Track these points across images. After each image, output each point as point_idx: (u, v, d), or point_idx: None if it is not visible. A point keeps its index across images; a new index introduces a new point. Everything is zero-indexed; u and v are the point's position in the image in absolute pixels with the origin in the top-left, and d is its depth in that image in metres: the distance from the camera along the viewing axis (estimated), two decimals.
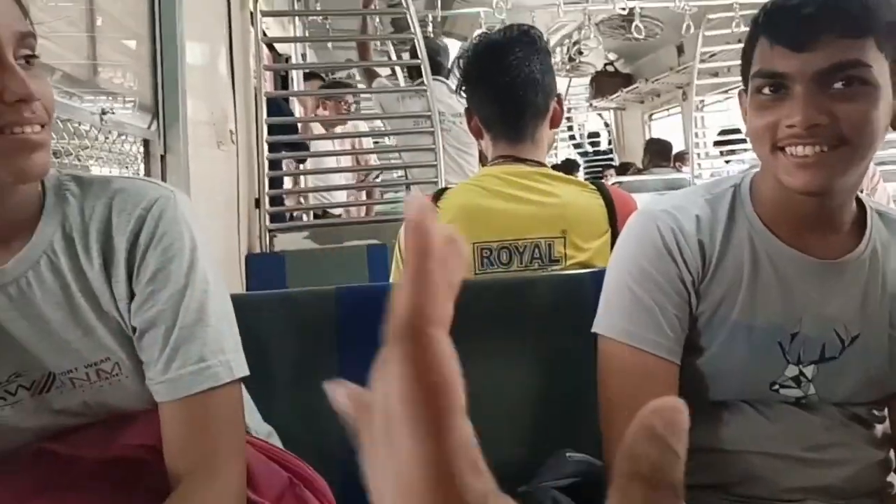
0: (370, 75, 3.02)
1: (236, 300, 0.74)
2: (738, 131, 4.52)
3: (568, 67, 5.79)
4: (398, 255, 1.27)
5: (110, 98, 1.60)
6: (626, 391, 0.79)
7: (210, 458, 0.66)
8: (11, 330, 0.68)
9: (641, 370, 0.79)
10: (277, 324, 1.02)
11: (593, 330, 0.84)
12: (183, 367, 0.67)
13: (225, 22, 2.35)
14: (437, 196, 1.23)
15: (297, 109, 3.56)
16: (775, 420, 0.84)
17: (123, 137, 1.68)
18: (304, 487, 0.78)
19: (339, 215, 3.23)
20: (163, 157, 1.82)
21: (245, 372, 0.71)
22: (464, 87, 1.27)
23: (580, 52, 5.34)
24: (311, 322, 1.01)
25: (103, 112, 1.51)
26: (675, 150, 5.47)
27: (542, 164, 1.26)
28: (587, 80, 6.84)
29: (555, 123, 1.28)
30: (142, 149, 1.82)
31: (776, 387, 0.83)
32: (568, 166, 6.36)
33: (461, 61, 1.27)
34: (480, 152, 1.37)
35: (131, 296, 0.69)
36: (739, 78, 0.84)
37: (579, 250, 1.16)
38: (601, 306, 0.85)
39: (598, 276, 0.91)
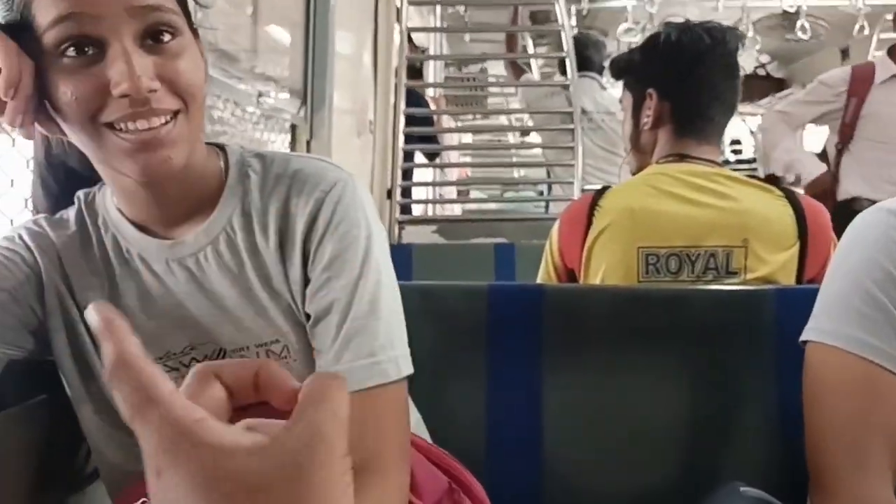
0: (517, 70, 2.97)
1: None
2: None
3: None
4: (549, 254, 1.21)
5: (268, 81, 1.65)
6: (848, 413, 0.67)
7: (375, 458, 0.64)
8: (188, 304, 0.68)
9: (870, 388, 0.66)
10: (419, 317, 0.99)
11: (805, 338, 0.71)
12: (353, 360, 0.64)
13: (371, 12, 2.39)
14: (598, 195, 1.15)
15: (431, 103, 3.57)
16: None
17: (273, 120, 1.73)
18: (463, 494, 0.74)
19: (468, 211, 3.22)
20: (308, 143, 1.87)
21: (411, 370, 0.68)
22: (664, 70, 1.19)
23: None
24: (458, 318, 0.97)
25: (259, 94, 1.56)
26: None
27: (719, 165, 1.16)
28: None
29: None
30: (289, 134, 1.87)
31: None
32: None
33: (665, 44, 1.19)
34: (634, 151, 1.26)
35: (305, 280, 0.67)
36: None
37: (762, 263, 1.05)
38: (820, 313, 0.72)
39: (784, 295, 0.81)
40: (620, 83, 1.33)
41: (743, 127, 7.66)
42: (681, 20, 1.23)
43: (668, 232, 1.08)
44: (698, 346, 0.95)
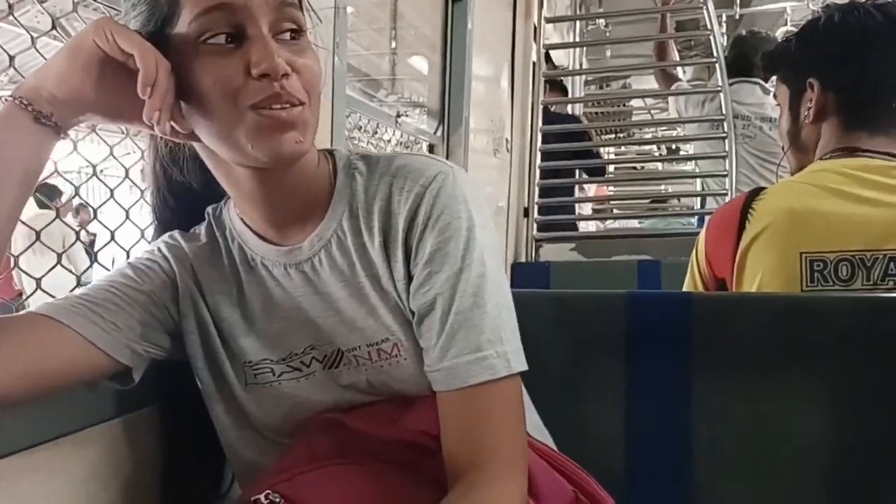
0: (670, 80, 2.84)
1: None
2: None
3: None
4: (694, 263, 1.13)
5: (407, 104, 1.71)
6: None
7: (488, 459, 0.62)
8: (306, 306, 0.71)
9: None
10: (551, 326, 0.96)
11: None
12: (459, 355, 0.64)
13: (509, 32, 2.41)
14: (752, 196, 1.05)
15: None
16: None
17: (413, 139, 1.79)
18: None
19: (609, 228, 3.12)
20: None
21: (524, 366, 0.66)
22: (823, 59, 1.09)
23: None
24: (594, 328, 0.93)
25: (398, 115, 1.62)
26: None
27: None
28: None
29: None
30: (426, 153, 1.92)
31: None
32: None
33: (824, 29, 1.08)
34: (793, 150, 1.14)
35: (409, 277, 0.68)
36: None
37: None
38: None
39: None
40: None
41: None
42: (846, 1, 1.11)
43: (838, 235, 0.96)
44: (874, 363, 0.83)
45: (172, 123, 0.61)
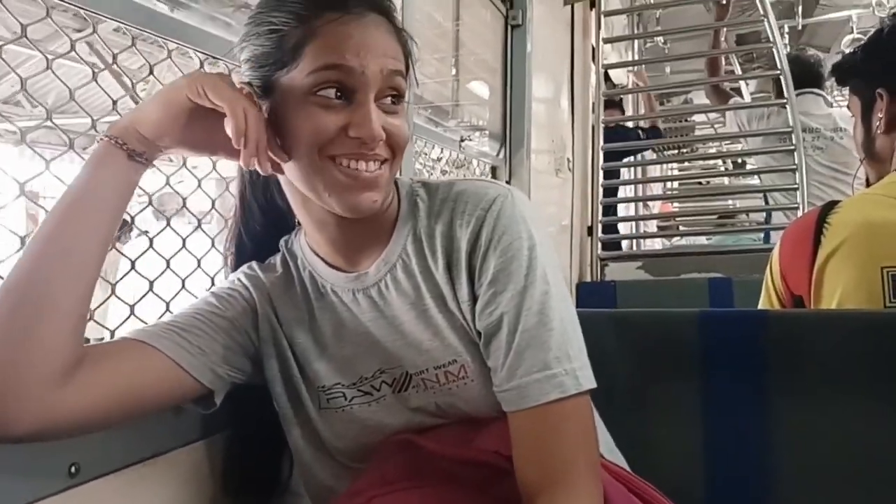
0: (722, 96, 2.78)
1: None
2: None
3: None
4: (769, 280, 1.09)
5: (470, 128, 1.73)
6: None
7: (563, 477, 0.62)
8: (374, 330, 0.73)
9: None
10: (617, 346, 0.94)
11: None
12: (527, 374, 0.64)
13: (568, 53, 2.41)
14: (827, 210, 1.02)
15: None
16: None
17: (475, 162, 1.81)
18: None
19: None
20: (507, 183, 1.91)
21: (593, 384, 0.66)
22: (890, 66, 1.05)
23: None
24: (666, 348, 0.91)
25: (462, 140, 1.64)
26: None
27: None
28: None
29: None
30: (490, 176, 1.94)
31: None
32: None
33: (885, 34, 1.05)
34: (868, 161, 1.10)
35: (474, 298, 0.69)
36: None
37: None
38: None
39: None
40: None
41: None
42: None
43: None
44: None
45: (271, 154, 0.65)
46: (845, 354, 0.87)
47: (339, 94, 0.63)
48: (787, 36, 3.29)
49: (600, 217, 2.43)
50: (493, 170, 1.93)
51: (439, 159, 1.70)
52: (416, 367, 0.72)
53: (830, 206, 1.03)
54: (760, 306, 1.11)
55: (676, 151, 4.00)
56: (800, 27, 3.28)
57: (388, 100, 0.66)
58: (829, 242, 0.99)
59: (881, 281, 0.93)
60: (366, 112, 0.63)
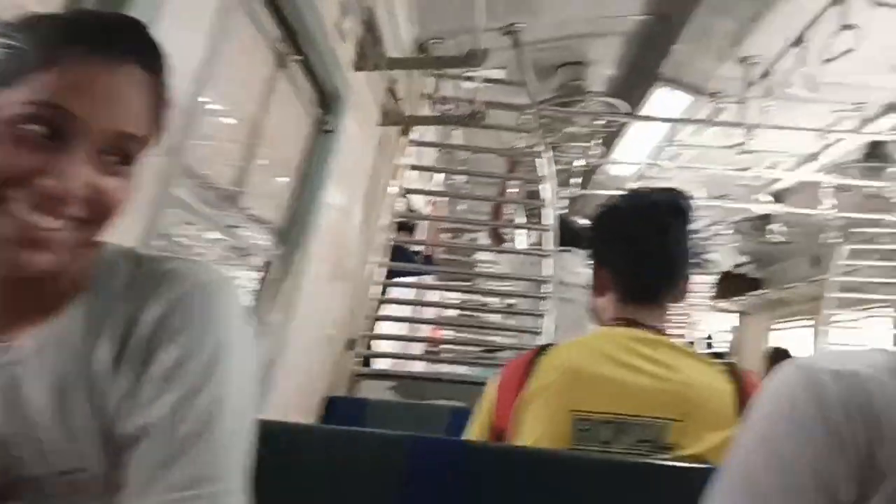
0: (497, 239, 3.13)
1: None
2: None
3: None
4: (482, 410, 1.14)
5: (250, 215, 1.71)
6: None
7: None
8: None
9: None
10: (329, 463, 0.94)
11: None
12: (166, 492, 0.54)
13: (371, 169, 2.53)
14: (541, 351, 1.11)
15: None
16: None
17: (246, 255, 1.78)
18: None
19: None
20: (277, 282, 1.89)
21: None
22: (601, 238, 1.22)
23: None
24: (372, 468, 0.92)
25: (233, 226, 1.61)
26: None
27: (664, 333, 1.13)
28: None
29: (675, 299, 1.18)
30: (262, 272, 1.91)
31: None
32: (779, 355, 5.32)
33: (603, 212, 1.23)
34: (594, 316, 1.27)
35: (133, 393, 0.59)
36: (880, 297, 0.71)
37: (697, 441, 0.97)
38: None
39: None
40: None
41: (717, 322, 7.82)
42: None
43: (605, 397, 1.01)
44: None
45: None
46: (529, 490, 0.91)
47: (50, 134, 0.55)
48: (566, 200, 3.82)
49: (365, 331, 2.48)
50: (268, 265, 1.91)
51: (217, 241, 1.66)
52: (33, 470, 0.59)
53: (545, 348, 1.12)
54: (469, 434, 1.15)
55: (454, 282, 4.27)
56: (574, 196, 3.84)
57: (114, 158, 0.58)
58: (533, 382, 1.05)
59: (569, 424, 1.00)
60: (71, 170, 0.54)
